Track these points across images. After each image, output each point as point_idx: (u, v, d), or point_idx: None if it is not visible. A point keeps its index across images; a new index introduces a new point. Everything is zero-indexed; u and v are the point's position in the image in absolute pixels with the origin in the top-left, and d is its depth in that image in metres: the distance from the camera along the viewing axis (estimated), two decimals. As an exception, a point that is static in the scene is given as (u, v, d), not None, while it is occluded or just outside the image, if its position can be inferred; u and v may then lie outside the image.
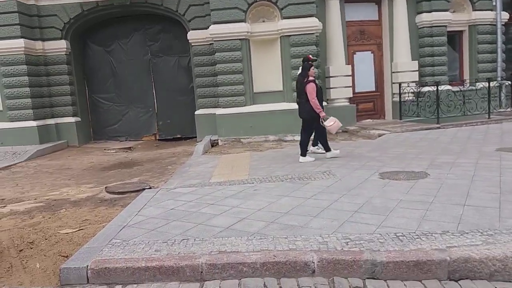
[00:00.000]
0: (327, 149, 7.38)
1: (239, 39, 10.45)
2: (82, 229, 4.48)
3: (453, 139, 8.59)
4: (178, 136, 12.78)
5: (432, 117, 10.46)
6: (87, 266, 3.16)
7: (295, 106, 10.67)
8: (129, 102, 13.03)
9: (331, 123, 7.06)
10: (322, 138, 7.42)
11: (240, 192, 5.26)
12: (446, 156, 6.78)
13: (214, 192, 5.35)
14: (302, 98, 7.12)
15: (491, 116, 10.72)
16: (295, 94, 10.62)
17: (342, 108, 11.27)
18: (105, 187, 6.55)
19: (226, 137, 10.69)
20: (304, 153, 7.24)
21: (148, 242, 3.59)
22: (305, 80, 6.95)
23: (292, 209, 4.40)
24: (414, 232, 3.56)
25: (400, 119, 11.60)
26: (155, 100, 12.97)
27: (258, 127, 10.56)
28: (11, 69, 11.00)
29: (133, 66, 12.83)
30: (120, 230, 3.97)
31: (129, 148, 11.60)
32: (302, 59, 7.47)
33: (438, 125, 10.15)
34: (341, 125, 7.33)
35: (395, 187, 5.09)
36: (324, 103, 10.67)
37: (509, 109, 12.50)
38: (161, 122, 13.01)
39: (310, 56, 7.54)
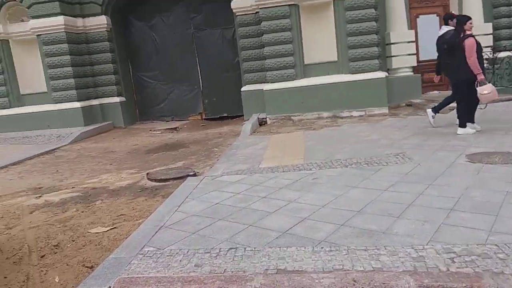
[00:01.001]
0: (463, 124, 6.05)
1: (288, 4, 9.35)
2: (115, 227, 3.84)
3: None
4: (225, 115, 12.02)
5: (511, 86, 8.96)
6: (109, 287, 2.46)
7: (352, 78, 9.64)
8: (174, 80, 12.41)
9: (486, 91, 5.69)
10: (468, 107, 6.08)
11: (297, 181, 4.40)
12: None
13: (266, 181, 4.52)
14: (452, 57, 5.98)
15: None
16: (351, 64, 9.58)
17: (405, 79, 10.01)
18: (147, 174, 5.93)
19: (275, 115, 9.81)
20: (463, 123, 6.04)
21: (187, 252, 2.83)
22: (462, 36, 5.83)
23: (366, 205, 3.48)
24: (546, 243, 2.56)
25: (473, 89, 10.11)
26: (200, 77, 12.25)
27: (310, 103, 9.56)
28: (53, 48, 10.65)
29: (176, 41, 12.13)
30: (156, 232, 3.25)
31: (175, 128, 11.04)
32: (443, 17, 6.60)
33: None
34: (498, 96, 6.01)
35: (494, 174, 4.02)
36: (385, 73, 9.51)
37: None
38: (207, 100, 12.30)
39: (453, 12, 6.38)
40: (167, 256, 2.81)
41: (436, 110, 6.81)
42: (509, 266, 2.33)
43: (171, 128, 11.02)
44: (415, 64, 10.09)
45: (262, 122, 9.90)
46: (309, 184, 4.25)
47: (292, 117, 9.72)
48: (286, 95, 9.66)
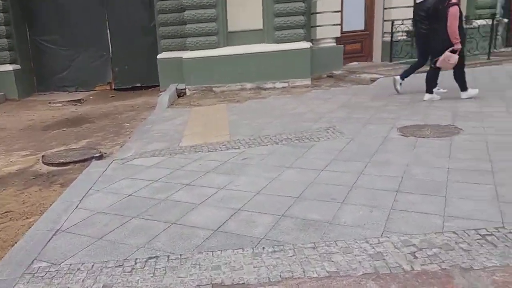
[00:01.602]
0: (464, 87, 5.98)
1: (210, -37, 8.54)
2: (-2, 230, 3.01)
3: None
4: (138, 85, 10.89)
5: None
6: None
7: (276, 47, 9.18)
8: (78, 45, 10.90)
9: (452, 61, 5.69)
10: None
11: (225, 163, 3.86)
12: (469, 104, 5.58)
13: (189, 164, 3.91)
14: (434, 24, 5.83)
15: (490, 57, 9.57)
16: (276, 33, 9.11)
17: (328, 50, 9.79)
18: (42, 156, 4.97)
19: (195, 85, 9.08)
20: (464, 87, 5.97)
21: (92, 267, 2.18)
22: (447, 3, 5.60)
23: (304, 189, 3.07)
24: (503, 226, 2.35)
25: (391, 61, 10.26)
26: (110, 42, 10.90)
27: (233, 73, 8.97)
28: None
29: (81, 0, 10.65)
30: (50, 239, 2.52)
31: (79, 100, 9.76)
32: None
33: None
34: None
35: (428, 149, 3.85)
36: (309, 44, 9.22)
37: (503, 49, 11.39)
38: (117, 68, 11.03)
39: None
40: (65, 274, 2.13)
41: (403, 77, 6.78)
42: (476, 259, 2.05)
43: (75, 100, 9.74)
44: (339, 35, 9.92)
45: (180, 94, 9.12)
46: (240, 166, 3.74)
47: (213, 88, 9.08)
48: (207, 64, 8.95)
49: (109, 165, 4.06)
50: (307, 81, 9.02)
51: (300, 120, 5.48)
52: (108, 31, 10.83)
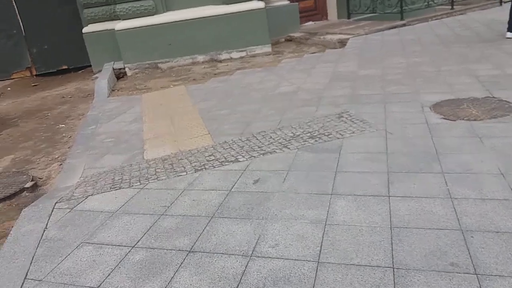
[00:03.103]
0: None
1: None
2: None
3: (439, 37, 6.44)
4: (65, 67, 8.76)
5: (394, 11, 8.13)
6: None
7: (227, 9, 7.54)
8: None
9: None
10: None
11: (232, 196, 2.43)
12: (478, 65, 4.57)
13: (175, 204, 2.44)
14: None
15: (454, 7, 8.74)
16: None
17: (282, 9, 8.35)
18: None
19: (136, 63, 7.30)
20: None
21: None
22: None
23: (396, 249, 1.84)
24: None
25: (348, 18, 9.11)
26: (19, 17, 8.54)
27: (179, 44, 7.30)
28: None
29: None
30: None
31: (-8, 93, 7.59)
32: None
33: (403, 22, 7.90)
34: None
35: (502, 139, 2.75)
36: (263, 3, 7.70)
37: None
38: (35, 49, 8.71)
39: None
40: None
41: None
42: None
43: (-14, 94, 7.55)
44: (292, -9, 8.49)
45: (120, 75, 7.31)
46: (258, 201, 2.36)
47: (159, 65, 7.37)
48: (147, 35, 7.18)
49: (50, 215, 2.49)
50: (268, 48, 7.61)
51: (294, 104, 4.14)
52: (14, 2, 8.42)
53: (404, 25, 7.85)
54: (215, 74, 6.40)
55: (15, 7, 8.41)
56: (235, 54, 7.52)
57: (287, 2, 8.53)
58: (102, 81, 6.37)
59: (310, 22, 9.39)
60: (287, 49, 7.83)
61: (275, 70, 5.80)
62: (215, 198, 2.45)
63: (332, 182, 2.45)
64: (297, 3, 8.64)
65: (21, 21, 8.53)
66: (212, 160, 3.03)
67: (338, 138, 3.09)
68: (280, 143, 3.18)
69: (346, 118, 3.49)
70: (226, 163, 2.93)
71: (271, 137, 3.33)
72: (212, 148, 3.29)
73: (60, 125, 4.96)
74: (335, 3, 9.41)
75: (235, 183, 2.60)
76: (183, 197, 2.52)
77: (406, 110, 3.48)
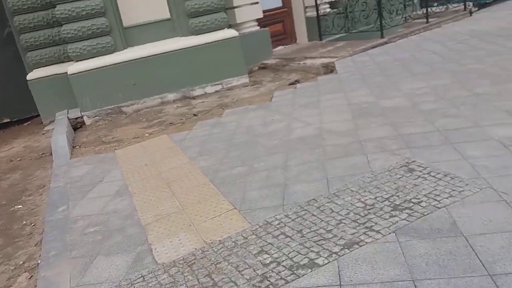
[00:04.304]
0: None
1: None
2: None
3: (437, 54, 5.91)
4: (6, 120, 7.20)
5: (373, 29, 7.60)
6: None
7: (196, 41, 6.49)
8: None
9: None
10: None
11: None
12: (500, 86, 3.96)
13: None
14: None
15: (429, 20, 8.39)
16: (192, 21, 6.45)
17: (254, 36, 7.55)
18: None
19: (95, 109, 6.07)
20: None
21: None
22: None
23: None
24: None
25: (320, 39, 8.51)
26: None
27: (145, 83, 6.19)
28: None
29: None
30: None
31: None
32: None
33: (384, 39, 7.39)
34: None
35: None
36: (234, 32, 6.81)
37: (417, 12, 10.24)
38: (-35, 101, 7.14)
39: None
40: None
41: None
42: None
43: None
44: (261, 16, 7.71)
45: (77, 125, 6.04)
46: None
47: (123, 108, 6.20)
48: (105, 76, 6.01)
49: None
50: (245, 79, 6.75)
51: (330, 153, 3.21)
52: None
53: (386, 42, 7.34)
54: (195, 114, 5.38)
55: None
56: (209, 89, 6.56)
57: (258, 28, 7.75)
58: (59, 136, 5.09)
59: (281, 47, 8.68)
60: (264, 78, 7.00)
61: (272, 107, 4.88)
62: None
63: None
64: (267, 28, 7.87)
65: None
66: (270, 262, 2.02)
67: (439, 208, 2.21)
68: (355, 221, 2.24)
69: (420, 171, 2.64)
70: (298, 270, 1.93)
71: (332, 211, 2.39)
72: (254, 237, 2.29)
73: (16, 206, 3.65)
74: (304, 25, 8.79)
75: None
76: None
77: (490, 153, 2.71)
